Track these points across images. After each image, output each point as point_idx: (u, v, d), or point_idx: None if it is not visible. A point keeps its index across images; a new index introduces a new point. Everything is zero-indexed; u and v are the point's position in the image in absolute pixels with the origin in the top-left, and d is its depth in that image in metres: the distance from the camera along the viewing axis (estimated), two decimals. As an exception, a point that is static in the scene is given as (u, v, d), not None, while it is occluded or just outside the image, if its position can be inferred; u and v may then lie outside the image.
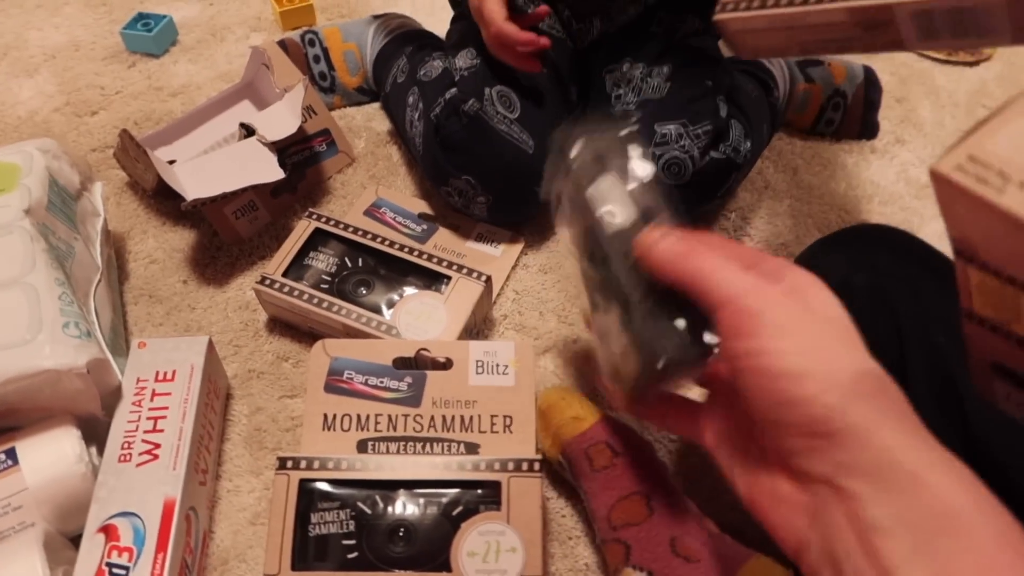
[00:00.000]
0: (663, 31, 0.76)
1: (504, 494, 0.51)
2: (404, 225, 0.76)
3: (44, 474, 0.50)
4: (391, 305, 0.65)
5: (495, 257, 0.74)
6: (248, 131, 0.74)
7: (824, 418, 0.30)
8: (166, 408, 0.55)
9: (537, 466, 0.52)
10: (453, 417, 0.57)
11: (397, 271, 0.67)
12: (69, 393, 0.52)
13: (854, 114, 0.91)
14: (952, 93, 1.00)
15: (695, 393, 0.45)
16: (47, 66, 0.96)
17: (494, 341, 0.61)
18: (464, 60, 0.73)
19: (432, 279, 0.66)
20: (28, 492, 0.49)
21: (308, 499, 0.51)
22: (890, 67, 1.03)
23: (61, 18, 1.04)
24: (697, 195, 0.72)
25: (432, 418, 0.56)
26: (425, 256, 0.67)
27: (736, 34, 0.47)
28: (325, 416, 0.56)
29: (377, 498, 0.52)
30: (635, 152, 0.45)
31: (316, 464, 0.52)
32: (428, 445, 0.56)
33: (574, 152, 0.45)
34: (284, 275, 0.66)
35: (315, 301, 0.64)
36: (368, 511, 0.51)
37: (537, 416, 0.58)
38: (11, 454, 0.50)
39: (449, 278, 0.65)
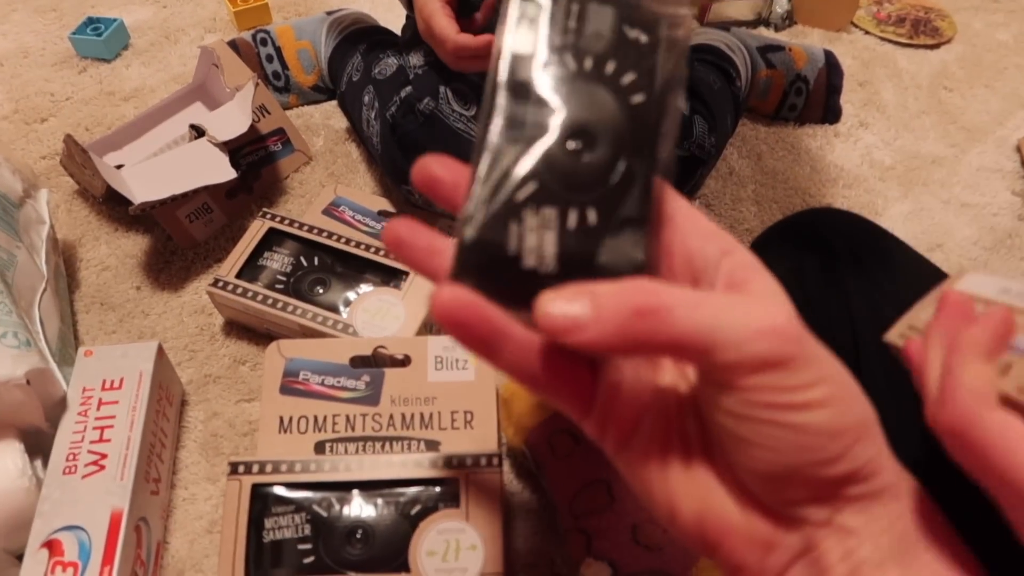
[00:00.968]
0: None
1: (463, 491, 0.50)
2: (363, 223, 0.75)
3: (-15, 490, 0.48)
4: (348, 303, 0.63)
5: (457, 252, 0.73)
6: (198, 132, 0.72)
7: (868, 474, 0.24)
8: (113, 417, 0.53)
9: (496, 461, 0.51)
10: (413, 415, 0.55)
11: (354, 269, 0.66)
12: (9, 405, 0.50)
13: (817, 99, 0.90)
14: (915, 75, 1.00)
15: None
16: (-5, 74, 0.93)
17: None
18: (418, 57, 0.72)
19: (390, 276, 0.65)
20: (-33, 509, 0.48)
21: (262, 504, 0.50)
22: (852, 51, 1.03)
23: (9, 25, 1.01)
24: None
25: (391, 416, 0.55)
26: (382, 253, 0.66)
27: None
28: (281, 419, 0.55)
29: (333, 500, 0.50)
30: None
31: (269, 468, 0.50)
32: (388, 444, 0.55)
33: None
34: (238, 276, 0.64)
35: (270, 302, 0.62)
36: (324, 514, 0.50)
37: (500, 406, 0.57)
38: (-52, 470, 0.48)
39: (407, 274, 0.64)
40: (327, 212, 0.76)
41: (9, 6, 1.05)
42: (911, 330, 0.35)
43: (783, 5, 1.06)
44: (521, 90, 0.24)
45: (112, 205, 0.77)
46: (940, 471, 0.30)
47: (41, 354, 0.52)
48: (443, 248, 0.25)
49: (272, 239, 0.67)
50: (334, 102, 0.90)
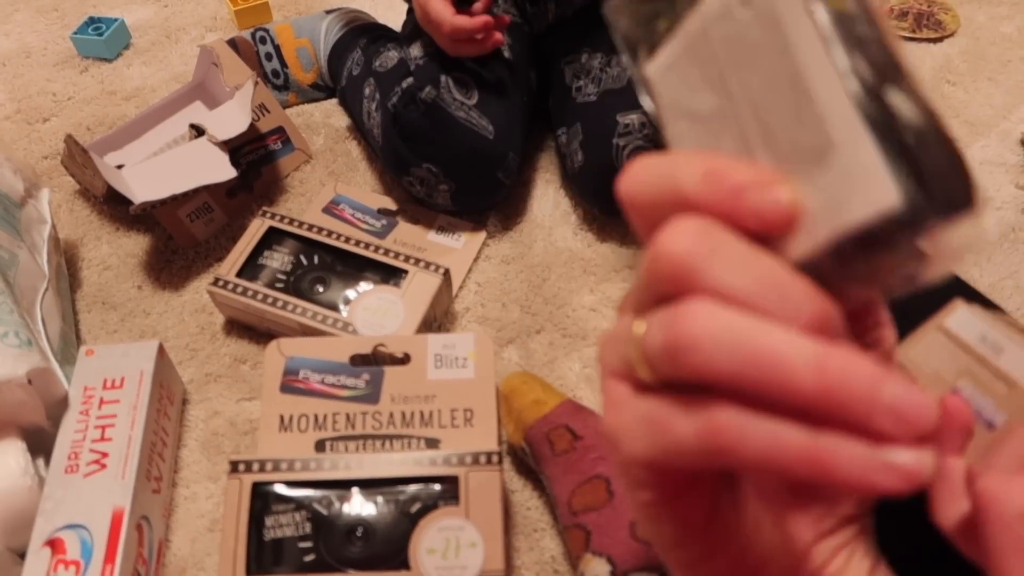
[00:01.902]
0: None
1: (462, 488, 0.50)
2: (363, 221, 0.75)
3: (-13, 489, 0.49)
4: (348, 302, 0.63)
5: (457, 249, 0.73)
6: (198, 131, 0.72)
7: None
8: (114, 416, 0.53)
9: (496, 458, 0.51)
10: (412, 413, 0.55)
11: (354, 267, 0.66)
12: (11, 404, 0.50)
13: (818, 93, 0.90)
14: (917, 69, 1.00)
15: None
16: (-3, 74, 0.94)
17: (453, 334, 0.60)
18: (419, 49, 0.72)
19: (389, 274, 0.65)
20: (-31, 508, 0.48)
21: (262, 502, 0.50)
22: (854, 45, 1.03)
23: (11, 25, 1.01)
24: None
25: (391, 415, 0.55)
26: (382, 251, 0.66)
27: None
28: (281, 417, 0.55)
29: (333, 498, 0.50)
30: None
31: (269, 466, 0.51)
32: (388, 442, 0.55)
33: None
34: (238, 275, 0.64)
35: (270, 301, 0.62)
36: (324, 512, 0.50)
37: (500, 402, 0.57)
38: (-49, 470, 0.49)
39: (406, 272, 0.64)
40: (327, 210, 0.76)
41: (11, 6, 1.05)
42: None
43: (785, -1, 1.05)
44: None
45: (113, 205, 0.77)
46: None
47: (43, 353, 0.53)
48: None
49: (272, 238, 0.68)
50: (334, 100, 0.90)
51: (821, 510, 0.22)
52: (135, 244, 0.74)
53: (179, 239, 0.72)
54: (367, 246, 0.66)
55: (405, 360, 0.57)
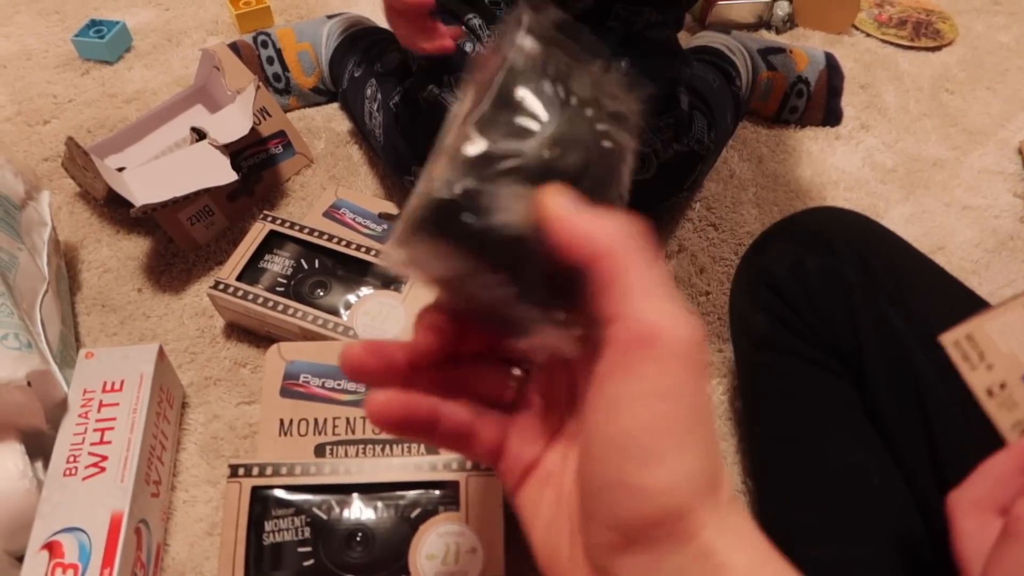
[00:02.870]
0: (620, 25, 0.75)
1: (463, 494, 0.50)
2: (364, 225, 0.75)
3: (-14, 492, 0.48)
4: (348, 306, 0.63)
5: (457, 255, 0.73)
6: (199, 135, 0.72)
7: (671, 516, 0.23)
8: (114, 419, 0.53)
9: None
10: None
11: (355, 271, 0.66)
12: (10, 407, 0.50)
13: (818, 101, 0.90)
14: (916, 78, 1.00)
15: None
16: (-2, 76, 0.94)
17: None
18: None
19: (390, 278, 0.65)
20: (-32, 511, 0.48)
21: (262, 507, 0.50)
22: (853, 53, 1.03)
23: (12, 27, 1.02)
24: (664, 188, 0.72)
25: None
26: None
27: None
28: (281, 421, 0.55)
29: (333, 503, 0.50)
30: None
31: (269, 470, 0.51)
32: (387, 447, 0.55)
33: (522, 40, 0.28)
34: (238, 279, 0.64)
35: (270, 304, 0.62)
36: (324, 517, 0.50)
37: None
38: (-51, 472, 0.48)
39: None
40: (328, 215, 0.76)
41: (12, 8, 1.05)
42: (968, 340, 0.37)
43: (784, 8, 1.06)
44: (510, 97, 0.26)
45: (114, 207, 0.77)
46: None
47: (42, 356, 0.53)
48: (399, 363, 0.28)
49: (273, 242, 0.68)
50: (335, 104, 0.91)
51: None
52: (135, 247, 0.74)
53: (180, 242, 0.72)
54: (368, 250, 0.66)
55: None
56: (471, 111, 0.26)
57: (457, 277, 0.26)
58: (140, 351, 0.57)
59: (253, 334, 0.67)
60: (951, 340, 0.38)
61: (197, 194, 0.69)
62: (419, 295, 0.63)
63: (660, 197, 0.73)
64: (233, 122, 0.73)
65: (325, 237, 0.67)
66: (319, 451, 0.54)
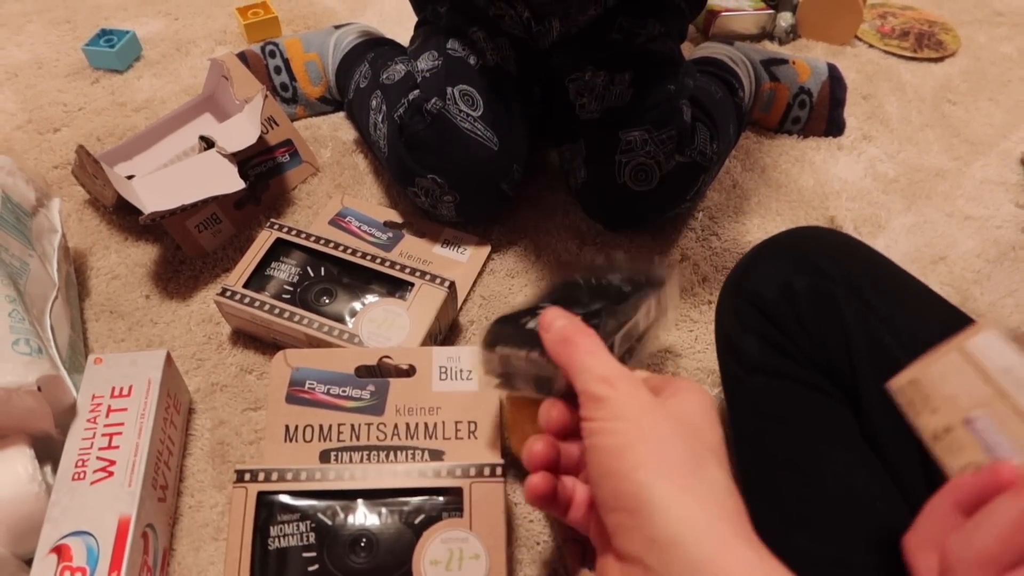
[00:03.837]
0: (624, 37, 0.76)
1: (466, 500, 0.50)
2: (369, 234, 0.76)
3: (-5, 495, 0.49)
4: (354, 314, 0.64)
5: (462, 263, 0.74)
6: (208, 143, 0.73)
7: (631, 493, 0.31)
8: (122, 424, 0.54)
9: (500, 471, 0.51)
10: (417, 424, 0.56)
11: (360, 279, 0.67)
12: (20, 411, 0.51)
13: (820, 111, 0.91)
14: (918, 88, 1.01)
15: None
16: (9, 84, 0.95)
17: (457, 346, 0.60)
18: (426, 62, 0.73)
19: (395, 286, 0.66)
20: (-22, 514, 0.48)
21: (268, 512, 0.50)
22: (856, 64, 1.04)
23: (24, 36, 1.03)
24: (666, 199, 0.72)
25: (396, 426, 0.56)
26: (387, 263, 0.66)
27: None
28: (287, 427, 0.56)
29: (338, 508, 0.51)
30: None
31: (275, 476, 0.51)
32: (392, 454, 0.55)
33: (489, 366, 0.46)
34: (245, 286, 0.65)
35: (276, 311, 0.63)
36: (329, 522, 0.50)
37: (503, 413, 0.57)
38: (-40, 476, 0.49)
39: (412, 285, 0.65)
40: (334, 223, 0.77)
41: (24, 17, 1.06)
42: (912, 386, 0.37)
43: (787, 19, 1.06)
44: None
45: (122, 215, 0.78)
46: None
47: (52, 361, 0.53)
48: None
49: (279, 249, 0.68)
50: (341, 114, 0.91)
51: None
52: (144, 254, 0.75)
53: (187, 249, 0.73)
54: (373, 258, 0.67)
55: (410, 372, 0.58)
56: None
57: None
58: (148, 357, 0.58)
59: (259, 341, 0.68)
60: (896, 386, 0.37)
61: (205, 202, 0.69)
62: (423, 303, 0.64)
63: (663, 208, 0.73)
64: (241, 131, 0.74)
65: (331, 245, 0.68)
66: (324, 457, 0.55)
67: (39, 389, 0.50)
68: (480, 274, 0.74)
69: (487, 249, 0.75)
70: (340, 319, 0.63)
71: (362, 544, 0.50)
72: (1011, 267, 0.78)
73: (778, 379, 0.49)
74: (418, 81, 0.72)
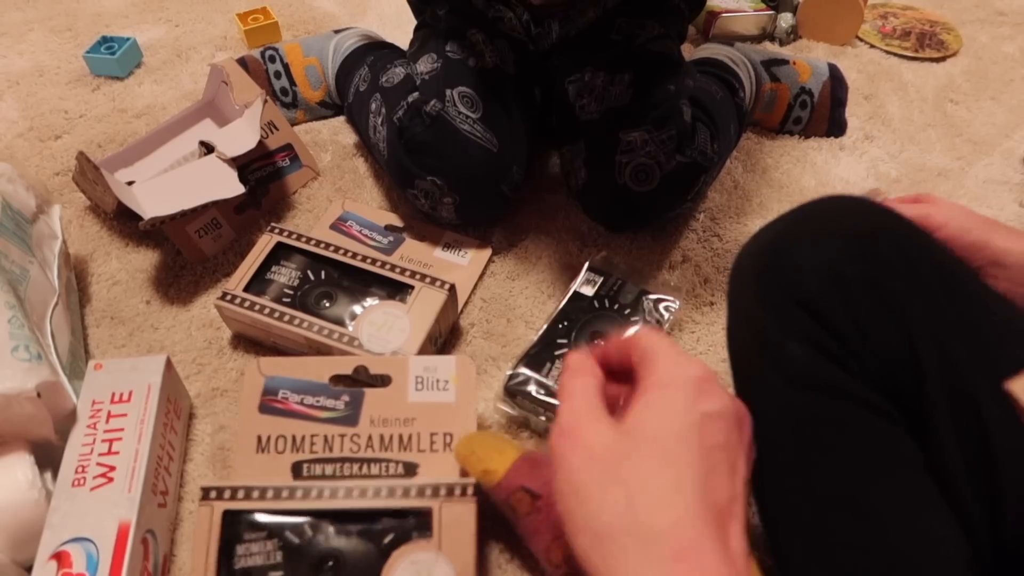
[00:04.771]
0: (623, 38, 0.75)
1: (435, 521, 0.49)
2: (370, 238, 0.76)
3: (-5, 502, 0.49)
4: (354, 317, 0.64)
5: (463, 266, 0.74)
6: (208, 149, 0.73)
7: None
8: (122, 430, 0.54)
9: (471, 490, 0.50)
10: (391, 436, 0.55)
11: (360, 283, 0.66)
12: (20, 418, 0.51)
13: (822, 112, 0.91)
14: (920, 88, 1.01)
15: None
16: (11, 92, 0.95)
17: (435, 356, 0.60)
18: (425, 65, 0.73)
19: (395, 289, 0.65)
20: (-23, 521, 0.48)
21: (234, 529, 0.49)
22: (857, 64, 1.04)
23: (26, 44, 1.03)
24: (667, 199, 0.72)
25: (370, 437, 0.55)
26: (388, 267, 0.66)
27: None
28: (259, 438, 0.55)
29: (306, 527, 0.50)
30: None
31: (241, 494, 0.50)
32: (365, 466, 0.54)
33: None
34: (245, 290, 0.65)
35: (276, 315, 0.63)
36: (296, 541, 0.49)
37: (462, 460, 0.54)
38: (-40, 482, 0.49)
39: (412, 287, 0.64)
40: (335, 227, 0.77)
41: (26, 26, 1.07)
42: None
43: (788, 20, 1.06)
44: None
45: (123, 221, 0.78)
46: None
47: (52, 367, 0.53)
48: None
49: (280, 253, 0.68)
50: (341, 118, 0.92)
51: None
52: (144, 260, 0.75)
53: (188, 254, 0.73)
54: (373, 261, 0.67)
55: (386, 381, 0.57)
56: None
57: None
58: (148, 362, 0.58)
59: (259, 345, 0.67)
60: (1020, 386, 0.33)
61: (205, 207, 0.69)
62: (423, 306, 0.63)
63: (663, 208, 0.73)
64: (241, 136, 0.74)
65: (331, 248, 0.68)
66: (296, 469, 0.54)
67: (38, 395, 0.50)
68: (481, 276, 0.73)
69: (488, 252, 0.75)
70: (340, 322, 0.63)
71: (329, 565, 0.48)
72: (1015, 266, 0.78)
73: (831, 397, 0.40)
74: (417, 84, 0.72)
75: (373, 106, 0.76)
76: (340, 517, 0.50)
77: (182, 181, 0.71)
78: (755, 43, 1.07)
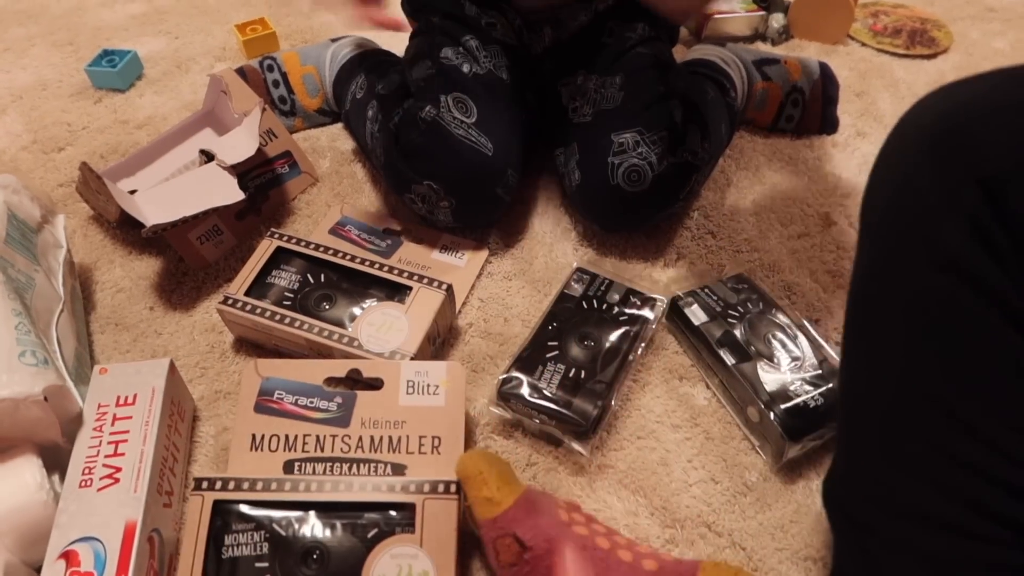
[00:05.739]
0: (614, 40, 0.77)
1: (418, 516, 0.50)
2: (369, 241, 0.77)
3: (5, 504, 0.50)
4: (353, 318, 0.65)
5: (460, 267, 0.75)
6: (208, 157, 0.74)
7: None
8: (127, 432, 0.55)
9: (454, 488, 0.51)
10: (381, 438, 0.56)
11: (359, 285, 0.68)
12: (28, 421, 0.52)
13: (813, 110, 0.92)
14: (911, 85, 1.02)
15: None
16: (14, 106, 0.97)
17: (427, 361, 0.61)
18: (420, 71, 0.74)
19: (394, 291, 0.67)
20: (-12, 522, 0.49)
21: (224, 520, 0.51)
22: (849, 62, 1.05)
23: (28, 59, 1.05)
24: (660, 199, 0.73)
25: (360, 438, 0.56)
26: (386, 268, 0.67)
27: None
28: (253, 436, 0.56)
29: (293, 520, 0.51)
30: None
31: (231, 484, 0.51)
32: (355, 466, 0.55)
33: None
34: (247, 294, 0.66)
35: (277, 318, 0.64)
36: (283, 532, 0.50)
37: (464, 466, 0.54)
38: (-30, 485, 0.50)
39: (410, 288, 0.66)
40: (333, 231, 0.78)
41: (28, 41, 1.09)
42: None
43: (779, 20, 1.07)
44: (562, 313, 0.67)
45: (126, 229, 0.79)
46: None
47: (58, 372, 0.54)
48: None
49: (280, 258, 0.69)
50: (339, 125, 0.93)
51: None
52: (147, 267, 0.76)
53: (190, 261, 0.74)
54: (372, 264, 0.68)
55: (378, 384, 0.58)
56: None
57: None
58: (152, 366, 0.59)
59: (261, 348, 0.69)
60: None
61: (206, 214, 0.71)
62: (421, 306, 0.64)
63: (655, 208, 0.74)
64: (240, 144, 0.75)
65: (331, 252, 0.69)
66: (288, 467, 0.55)
67: (45, 399, 0.51)
68: (478, 277, 0.75)
69: (484, 253, 0.76)
70: (340, 324, 0.64)
71: (314, 556, 0.50)
72: (1007, 258, 0.79)
73: (976, 293, 0.34)
74: (412, 90, 0.73)
75: (370, 113, 0.78)
76: (326, 511, 0.51)
77: (183, 189, 0.72)
78: (748, 44, 1.08)
